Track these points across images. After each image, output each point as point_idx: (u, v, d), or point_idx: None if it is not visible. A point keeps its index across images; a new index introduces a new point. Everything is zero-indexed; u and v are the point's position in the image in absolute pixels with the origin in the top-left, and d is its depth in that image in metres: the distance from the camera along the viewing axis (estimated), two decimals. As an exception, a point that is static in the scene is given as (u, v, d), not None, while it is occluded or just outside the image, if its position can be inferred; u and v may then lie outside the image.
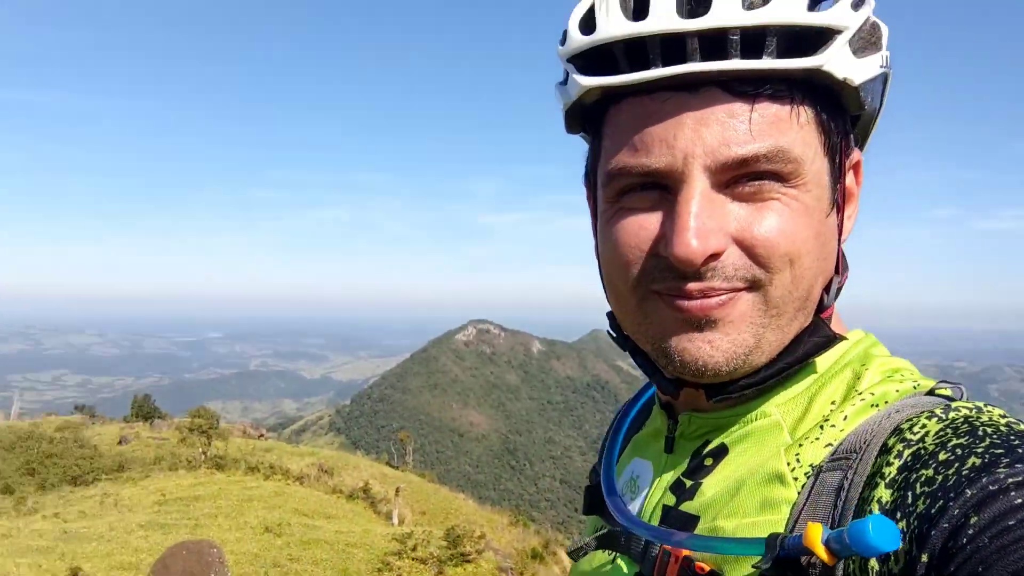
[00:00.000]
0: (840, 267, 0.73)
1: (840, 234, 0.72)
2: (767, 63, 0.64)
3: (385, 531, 31.34)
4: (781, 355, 0.70)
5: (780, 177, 0.65)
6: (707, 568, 0.63)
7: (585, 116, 0.78)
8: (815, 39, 0.65)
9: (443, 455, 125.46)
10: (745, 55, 0.64)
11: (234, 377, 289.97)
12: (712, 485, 0.67)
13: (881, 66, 0.69)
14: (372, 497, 38.50)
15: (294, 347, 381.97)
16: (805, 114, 0.67)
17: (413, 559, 27.02)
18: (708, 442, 0.70)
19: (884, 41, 0.70)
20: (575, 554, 0.82)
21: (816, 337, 0.70)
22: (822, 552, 0.56)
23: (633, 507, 0.77)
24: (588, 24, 0.72)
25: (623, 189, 0.73)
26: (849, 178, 0.73)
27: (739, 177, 0.66)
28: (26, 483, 39.16)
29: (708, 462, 0.69)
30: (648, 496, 0.76)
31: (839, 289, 0.74)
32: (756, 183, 0.66)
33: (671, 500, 0.71)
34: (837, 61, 0.66)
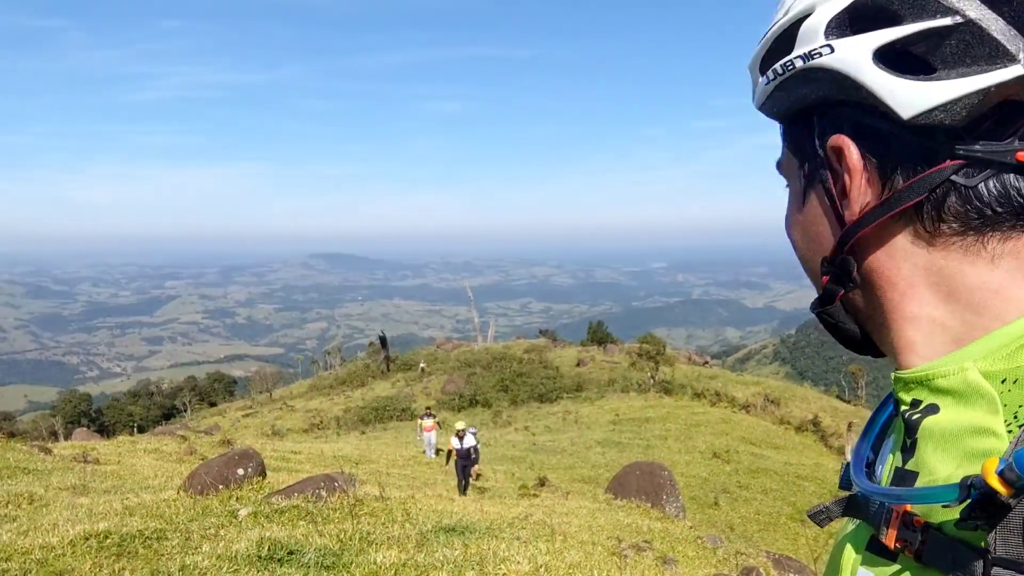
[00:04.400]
0: (842, 247, 0.74)
1: (839, 215, 0.74)
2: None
3: (837, 466, 29.93)
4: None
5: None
6: (922, 520, 0.64)
7: None
8: None
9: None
10: None
11: (678, 305, 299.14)
12: (926, 440, 0.67)
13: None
14: (822, 430, 37.03)
15: (735, 276, 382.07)
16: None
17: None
18: (918, 400, 0.70)
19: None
20: (815, 517, 0.81)
21: (824, 303, 0.79)
22: (995, 482, 0.56)
23: (878, 475, 0.76)
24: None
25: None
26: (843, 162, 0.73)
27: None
28: (501, 398, 44.47)
29: (915, 417, 0.69)
30: (888, 461, 0.75)
31: (831, 265, 0.77)
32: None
33: (900, 461, 0.72)
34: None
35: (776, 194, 0.86)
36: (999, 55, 0.64)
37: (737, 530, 19.47)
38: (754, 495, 23.38)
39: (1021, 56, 0.64)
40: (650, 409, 36.87)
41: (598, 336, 58.78)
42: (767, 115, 0.81)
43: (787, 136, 0.80)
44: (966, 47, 0.65)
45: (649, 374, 43.49)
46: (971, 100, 0.64)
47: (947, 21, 0.65)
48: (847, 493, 0.82)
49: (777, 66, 0.76)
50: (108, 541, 6.42)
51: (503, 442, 30.13)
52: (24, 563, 5.72)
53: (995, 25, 0.64)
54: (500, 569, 6.28)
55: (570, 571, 6.53)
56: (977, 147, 0.65)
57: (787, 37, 0.75)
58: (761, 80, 0.79)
